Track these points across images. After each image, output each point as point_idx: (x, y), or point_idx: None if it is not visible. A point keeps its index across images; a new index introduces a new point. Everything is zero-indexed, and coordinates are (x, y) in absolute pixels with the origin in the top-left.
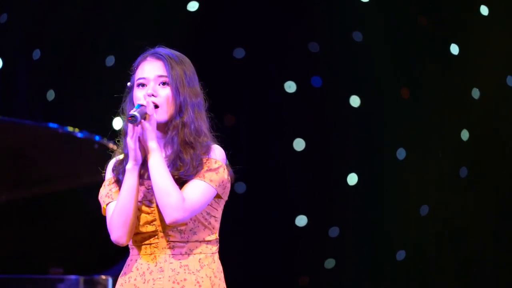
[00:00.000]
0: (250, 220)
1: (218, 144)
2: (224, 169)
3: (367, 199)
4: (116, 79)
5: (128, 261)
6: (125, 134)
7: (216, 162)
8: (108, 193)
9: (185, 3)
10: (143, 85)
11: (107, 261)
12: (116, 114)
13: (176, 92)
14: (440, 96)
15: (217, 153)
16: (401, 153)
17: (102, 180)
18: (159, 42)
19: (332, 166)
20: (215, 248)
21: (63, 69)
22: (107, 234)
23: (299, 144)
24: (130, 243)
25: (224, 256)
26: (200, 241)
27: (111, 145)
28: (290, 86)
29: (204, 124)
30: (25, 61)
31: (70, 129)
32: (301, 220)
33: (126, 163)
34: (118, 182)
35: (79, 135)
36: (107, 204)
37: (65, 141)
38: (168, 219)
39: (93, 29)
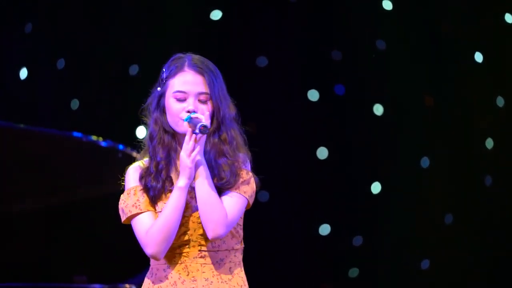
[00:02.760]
0: (273, 229)
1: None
2: (252, 179)
3: (390, 208)
4: (140, 88)
5: (153, 270)
6: (152, 138)
7: (247, 173)
8: (135, 203)
9: (208, 12)
10: (181, 99)
11: (131, 269)
12: (139, 112)
13: (216, 110)
14: (464, 104)
15: (248, 163)
16: (425, 162)
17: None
18: (182, 51)
19: (356, 175)
20: (241, 256)
21: (87, 78)
22: (131, 243)
23: (322, 153)
24: None
25: (247, 264)
26: (229, 250)
27: (134, 154)
28: (313, 95)
29: (241, 139)
30: (49, 70)
31: (94, 138)
32: (325, 229)
33: (156, 170)
34: (147, 190)
35: (103, 144)
36: (135, 215)
37: (89, 150)
38: (211, 234)
39: (116, 38)
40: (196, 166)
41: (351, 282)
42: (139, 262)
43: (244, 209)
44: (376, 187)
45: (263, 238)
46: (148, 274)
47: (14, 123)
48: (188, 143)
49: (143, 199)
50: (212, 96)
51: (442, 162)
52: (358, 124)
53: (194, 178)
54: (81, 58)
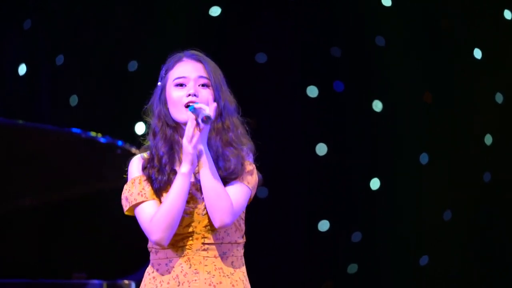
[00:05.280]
0: (272, 225)
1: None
2: (256, 171)
3: (390, 204)
4: (138, 84)
5: (155, 265)
6: (155, 134)
7: (250, 164)
8: (141, 191)
9: (207, 8)
10: (181, 84)
11: (130, 265)
12: (142, 113)
13: (217, 95)
14: (463, 100)
15: (252, 155)
16: (424, 158)
17: (124, 184)
18: (181, 47)
19: (355, 171)
20: (243, 251)
21: (86, 75)
22: (130, 238)
23: (321, 149)
24: (156, 246)
25: (247, 261)
26: (232, 243)
27: (133, 150)
28: (312, 91)
29: (244, 129)
30: (48, 67)
31: (93, 134)
32: (324, 225)
33: (160, 163)
34: (151, 181)
35: (102, 140)
36: (140, 203)
37: (88, 146)
38: (217, 223)
39: (115, 34)
40: (199, 155)
41: (350, 278)
42: (138, 259)
43: (248, 200)
44: (375, 183)
45: (262, 234)
46: (148, 268)
47: (13, 119)
48: (189, 129)
49: (148, 188)
50: (211, 82)
51: (441, 158)
52: (357, 120)
53: (198, 167)
54: (80, 54)
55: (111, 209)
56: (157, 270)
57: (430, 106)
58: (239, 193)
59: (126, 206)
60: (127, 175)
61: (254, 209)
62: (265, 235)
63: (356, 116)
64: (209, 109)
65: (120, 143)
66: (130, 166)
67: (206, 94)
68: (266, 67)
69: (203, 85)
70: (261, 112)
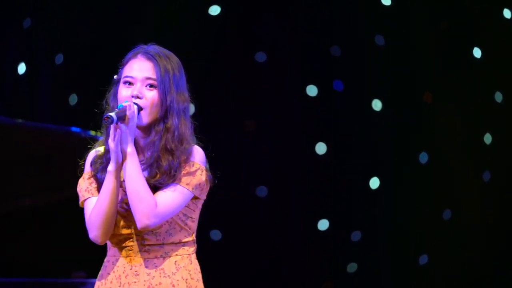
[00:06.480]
0: (272, 224)
1: (199, 146)
2: (202, 171)
3: (389, 203)
4: None
5: (105, 262)
6: (107, 134)
7: (194, 165)
8: (88, 187)
9: (207, 7)
10: (130, 83)
11: None
12: (100, 106)
13: (163, 97)
14: (463, 99)
15: (197, 156)
16: (423, 157)
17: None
18: (180, 46)
19: (354, 170)
20: (192, 249)
21: (86, 74)
22: None
23: (320, 148)
24: (109, 244)
25: (246, 260)
26: (176, 243)
27: None
28: (312, 90)
29: (188, 131)
30: (48, 66)
31: (92, 133)
32: (323, 224)
33: (106, 160)
34: (96, 178)
35: (101, 139)
36: (86, 199)
37: (88, 145)
38: (139, 225)
39: (114, 33)
40: (124, 154)
41: (350, 277)
42: None
43: (185, 200)
44: (374, 182)
45: (262, 233)
46: (102, 266)
47: (12, 119)
48: (112, 127)
49: (94, 185)
50: (158, 83)
51: (440, 158)
52: (357, 120)
53: (122, 167)
54: (80, 53)
55: None
56: (106, 267)
57: (430, 105)
58: (169, 196)
59: (79, 201)
60: (84, 168)
61: (254, 209)
62: (265, 235)
63: (355, 116)
64: (129, 111)
65: None
66: (86, 160)
67: (152, 95)
68: (266, 67)
69: (150, 86)
70: (260, 112)
